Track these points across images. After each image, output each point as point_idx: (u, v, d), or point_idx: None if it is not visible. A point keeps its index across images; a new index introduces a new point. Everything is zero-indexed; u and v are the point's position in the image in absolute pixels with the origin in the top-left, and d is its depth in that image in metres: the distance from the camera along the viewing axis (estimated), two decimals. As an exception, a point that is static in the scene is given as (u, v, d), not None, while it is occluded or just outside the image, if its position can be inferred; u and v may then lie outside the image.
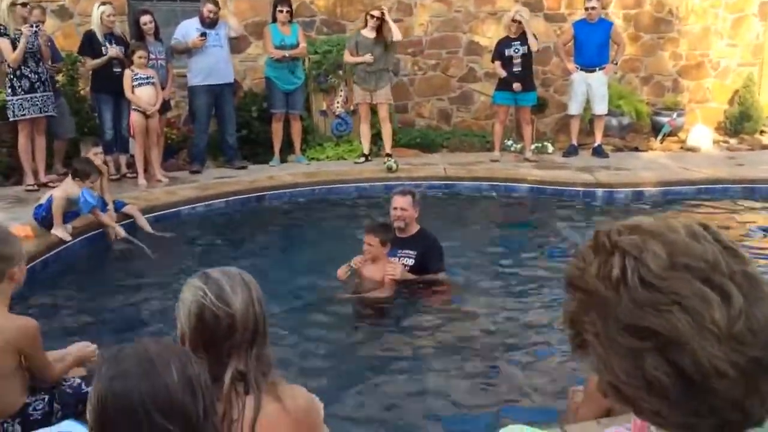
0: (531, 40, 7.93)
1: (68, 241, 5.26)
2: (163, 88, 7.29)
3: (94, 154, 5.79)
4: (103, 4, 7.24)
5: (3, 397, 2.55)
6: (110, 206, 5.75)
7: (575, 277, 0.82)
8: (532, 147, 8.53)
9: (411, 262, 4.55)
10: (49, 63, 6.85)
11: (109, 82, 7.16)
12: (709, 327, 0.73)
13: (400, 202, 4.60)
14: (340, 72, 8.56)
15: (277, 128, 8.05)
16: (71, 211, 5.39)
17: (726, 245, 0.79)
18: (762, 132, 9.62)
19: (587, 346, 0.81)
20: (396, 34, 7.89)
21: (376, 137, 8.39)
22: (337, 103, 8.67)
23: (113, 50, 7.10)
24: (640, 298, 0.76)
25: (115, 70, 7.15)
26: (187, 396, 1.23)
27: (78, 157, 5.89)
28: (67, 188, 5.34)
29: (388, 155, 7.96)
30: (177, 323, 1.67)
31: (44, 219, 5.23)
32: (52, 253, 5.11)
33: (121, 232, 5.55)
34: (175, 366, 1.24)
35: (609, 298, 0.77)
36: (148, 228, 5.88)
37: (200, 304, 1.61)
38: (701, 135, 9.10)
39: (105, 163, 6.18)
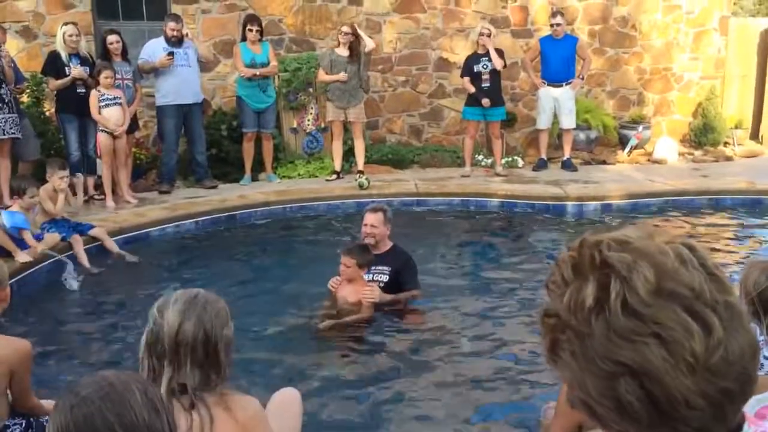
0: (495, 60, 8.01)
1: (29, 264, 5.13)
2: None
3: (60, 178, 5.68)
4: (67, 24, 7.16)
5: None
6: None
7: (549, 307, 0.80)
8: (503, 161, 8.61)
9: (385, 278, 4.53)
10: (12, 85, 6.73)
11: (73, 102, 7.06)
12: (686, 359, 0.72)
13: (371, 219, 4.58)
14: (311, 89, 8.57)
15: (248, 147, 8.01)
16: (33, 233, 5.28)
17: (711, 272, 0.77)
18: (725, 144, 9.85)
19: (561, 359, 0.80)
20: (369, 44, 7.93)
21: (348, 154, 8.39)
22: (308, 120, 8.67)
23: (76, 70, 7.01)
24: (617, 327, 0.73)
25: (79, 90, 7.05)
26: (152, 414, 1.24)
27: (13, 176, 5.76)
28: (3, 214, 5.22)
29: (360, 172, 7.96)
30: None
31: None
32: (15, 278, 4.98)
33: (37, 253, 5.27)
34: (137, 387, 1.25)
35: (582, 331, 0.75)
36: (116, 249, 5.78)
37: (151, 312, 1.80)
38: (667, 147, 9.28)
39: (71, 185, 6.07)
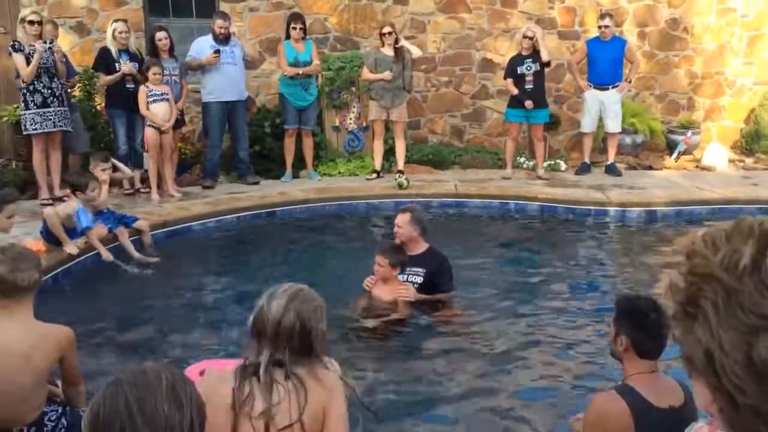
0: (543, 53, 7.92)
1: (77, 256, 5.29)
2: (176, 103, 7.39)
3: (102, 170, 5.84)
4: (117, 21, 7.36)
5: (34, 401, 2.66)
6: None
7: (698, 265, 0.81)
8: (545, 164, 8.51)
9: (420, 280, 4.53)
10: (64, 79, 6.94)
11: (122, 97, 7.26)
12: None
13: (398, 219, 4.64)
14: (353, 88, 8.62)
15: (289, 144, 8.10)
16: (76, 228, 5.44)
17: None
18: (778, 151, 9.52)
19: (694, 313, 0.80)
20: (415, 52, 7.95)
21: (389, 153, 8.41)
22: (350, 119, 8.72)
23: (126, 66, 7.20)
24: None
25: (128, 86, 7.24)
26: (173, 407, 1.34)
27: (69, 173, 5.91)
28: (63, 205, 5.38)
29: (400, 172, 7.97)
30: None
31: (48, 236, 5.27)
32: (61, 268, 5.15)
33: (109, 257, 5.44)
34: (166, 379, 1.36)
35: (733, 286, 0.77)
36: (148, 242, 5.90)
37: (260, 302, 2.10)
38: (716, 154, 9.03)
39: (118, 179, 6.23)
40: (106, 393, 1.36)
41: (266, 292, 2.13)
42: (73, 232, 5.41)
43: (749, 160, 9.27)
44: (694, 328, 0.81)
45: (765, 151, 9.41)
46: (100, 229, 5.63)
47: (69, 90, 7.25)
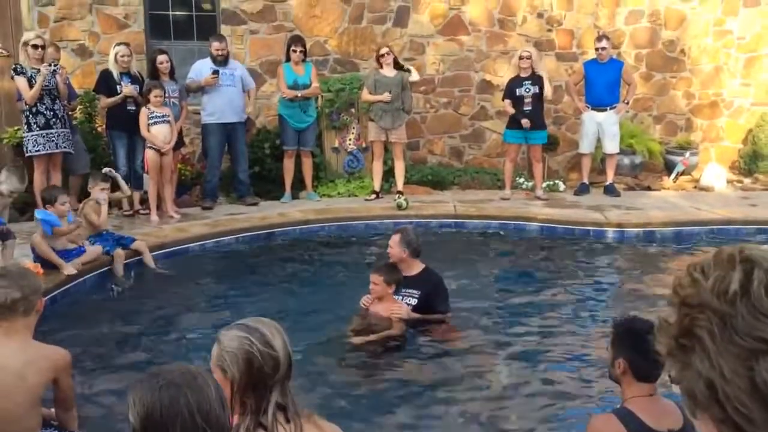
0: (546, 88, 8.01)
1: (74, 276, 5.29)
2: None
3: (101, 189, 5.87)
4: (119, 44, 7.43)
5: (28, 421, 2.66)
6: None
7: (689, 295, 0.82)
8: (544, 185, 8.53)
9: (414, 301, 4.54)
10: (66, 101, 7.00)
11: (123, 119, 7.31)
12: None
13: (390, 240, 4.69)
14: (353, 110, 8.67)
15: (288, 165, 8.14)
16: (67, 249, 5.44)
17: None
18: (776, 171, 9.54)
19: (690, 345, 0.80)
20: (414, 76, 8.03)
21: (388, 174, 8.44)
22: (349, 140, 8.76)
23: (127, 89, 7.26)
24: (762, 307, 0.76)
25: (129, 108, 7.30)
26: (221, 409, 1.48)
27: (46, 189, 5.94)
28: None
29: (399, 193, 7.99)
30: (219, 372, 1.90)
31: (42, 260, 5.26)
32: (60, 290, 5.15)
33: (72, 270, 5.33)
34: (212, 383, 1.51)
35: (726, 311, 0.78)
36: (152, 264, 5.92)
37: (248, 352, 1.88)
38: (715, 174, 9.05)
39: (117, 200, 6.26)
40: (162, 396, 1.43)
41: (247, 337, 1.90)
42: (69, 253, 5.42)
43: (747, 181, 9.30)
44: (691, 360, 0.80)
45: (763, 171, 9.44)
46: (96, 249, 5.64)
47: (70, 112, 7.29)
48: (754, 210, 7.71)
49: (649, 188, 8.98)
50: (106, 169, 6.12)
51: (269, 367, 1.88)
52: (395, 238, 4.64)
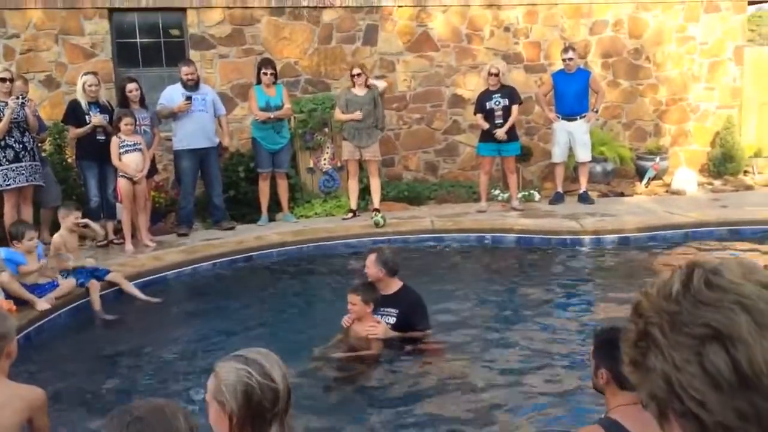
0: (513, 114, 8.15)
1: (48, 311, 5.19)
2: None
3: (75, 218, 5.78)
4: (86, 74, 7.37)
5: None
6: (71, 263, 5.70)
7: (640, 303, 0.89)
8: (519, 195, 8.59)
9: (393, 320, 4.53)
10: (35, 133, 6.91)
11: (93, 149, 7.23)
12: None
13: (366, 260, 4.68)
14: (326, 129, 8.68)
15: (263, 187, 8.10)
16: (40, 284, 5.35)
17: None
18: (745, 172, 9.74)
19: (646, 346, 0.85)
20: (380, 85, 8.07)
21: (364, 192, 8.44)
22: (324, 160, 8.76)
23: (96, 119, 7.19)
24: (703, 297, 0.81)
25: (99, 137, 7.23)
26: None
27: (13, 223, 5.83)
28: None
29: (376, 210, 8.00)
30: (215, 405, 1.84)
31: (13, 297, 5.15)
32: (35, 326, 5.05)
33: (44, 306, 5.22)
34: (182, 414, 1.48)
35: (671, 309, 0.84)
36: (136, 292, 5.83)
37: (246, 384, 1.82)
38: (686, 178, 9.20)
39: (86, 227, 6.17)
40: (129, 429, 1.43)
41: (245, 370, 1.85)
42: (42, 288, 5.32)
43: (718, 183, 9.46)
44: (648, 361, 0.85)
45: (732, 173, 9.62)
46: (70, 283, 5.54)
47: (39, 144, 7.20)
48: (726, 211, 7.83)
49: (622, 194, 9.09)
50: (80, 221, 5.95)
51: (268, 400, 1.83)
52: (371, 258, 4.63)
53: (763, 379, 0.77)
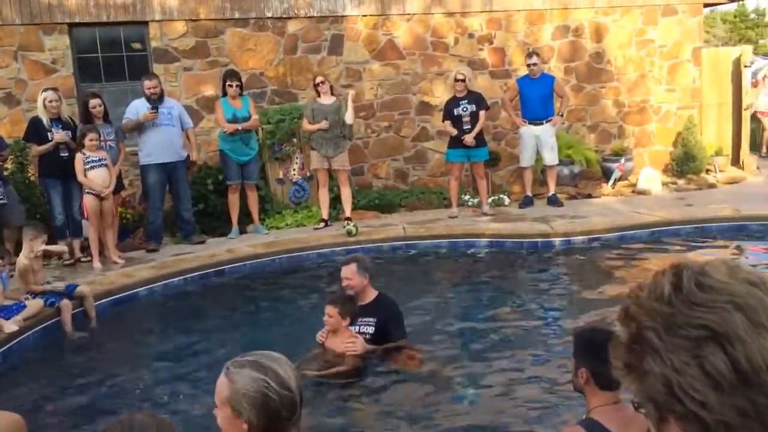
0: (480, 123, 8.18)
1: (16, 333, 5.05)
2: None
3: (42, 242, 5.64)
4: (47, 89, 7.23)
5: None
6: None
7: (631, 306, 0.89)
8: (489, 200, 8.66)
9: (371, 330, 4.49)
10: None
11: (56, 166, 7.09)
12: (764, 323, 0.79)
13: (344, 271, 4.58)
14: (294, 140, 8.65)
15: (233, 200, 8.03)
16: (6, 305, 5.22)
17: None
18: (707, 171, 9.96)
19: (641, 350, 0.85)
20: (349, 117, 7.96)
21: (335, 201, 8.42)
22: (294, 170, 8.72)
23: (59, 135, 7.05)
24: (696, 299, 0.82)
25: (62, 154, 7.09)
26: None
27: None
28: None
29: (348, 219, 7.98)
30: (228, 411, 1.79)
31: None
32: (3, 348, 4.91)
33: (12, 328, 5.11)
34: (155, 422, 1.48)
35: (665, 311, 0.84)
36: (92, 313, 5.70)
37: (265, 395, 1.77)
38: (650, 178, 9.38)
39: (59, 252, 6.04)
40: None
41: (256, 380, 1.78)
42: (8, 309, 5.19)
43: (681, 182, 9.66)
44: (645, 365, 0.85)
45: (695, 172, 9.83)
46: (37, 304, 5.41)
47: (1, 163, 7.03)
48: (691, 210, 8.00)
49: (589, 196, 9.23)
50: (38, 249, 5.73)
51: (287, 409, 1.79)
52: (352, 268, 4.55)
53: (761, 375, 0.78)
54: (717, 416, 0.80)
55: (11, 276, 5.53)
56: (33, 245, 5.57)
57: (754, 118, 11.61)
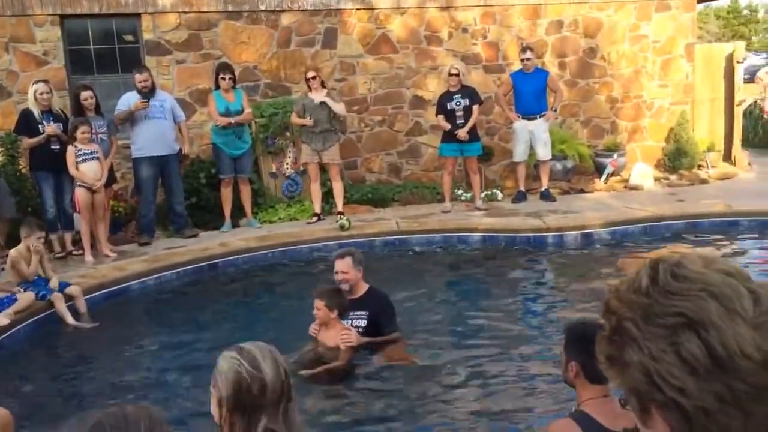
0: (474, 113, 8.18)
1: (7, 326, 5.04)
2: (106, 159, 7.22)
3: (37, 238, 5.61)
4: (37, 82, 7.18)
5: None
6: (53, 284, 5.58)
7: (611, 300, 0.91)
8: (482, 195, 8.67)
9: (363, 323, 4.49)
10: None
11: (48, 159, 7.05)
12: (738, 311, 0.81)
13: (340, 265, 4.56)
14: (288, 133, 8.63)
15: (226, 193, 8.01)
16: (0, 298, 5.20)
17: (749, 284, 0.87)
18: (699, 167, 10.00)
19: (621, 341, 0.87)
20: (339, 111, 7.95)
21: (327, 195, 8.41)
22: (286, 164, 8.71)
23: (50, 128, 7.01)
24: (671, 288, 0.85)
25: (53, 147, 7.05)
26: None
27: None
28: None
29: (341, 213, 7.97)
30: (214, 392, 1.95)
31: None
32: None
33: (4, 321, 5.10)
34: (144, 424, 1.42)
35: (643, 302, 0.86)
36: (83, 310, 5.67)
37: (237, 372, 1.92)
38: (642, 173, 9.40)
39: (48, 242, 6.00)
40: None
41: (236, 361, 1.93)
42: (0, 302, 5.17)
43: (673, 177, 9.69)
44: (625, 356, 0.87)
45: (687, 167, 9.87)
46: (28, 297, 5.39)
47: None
48: (683, 205, 8.03)
49: (582, 191, 9.25)
50: (33, 246, 5.63)
51: (256, 389, 1.90)
52: (347, 262, 4.54)
53: (737, 360, 0.80)
54: (695, 402, 0.81)
55: (2, 269, 5.51)
56: (27, 242, 5.54)
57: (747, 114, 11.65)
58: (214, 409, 1.97)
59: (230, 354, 1.98)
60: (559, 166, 9.36)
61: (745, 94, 10.66)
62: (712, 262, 0.87)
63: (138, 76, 7.54)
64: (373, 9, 9.32)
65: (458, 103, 8.22)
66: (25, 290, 5.44)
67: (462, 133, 8.13)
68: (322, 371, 4.24)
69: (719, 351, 0.80)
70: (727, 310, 0.82)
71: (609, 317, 0.91)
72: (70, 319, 5.40)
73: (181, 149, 7.88)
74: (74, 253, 7.19)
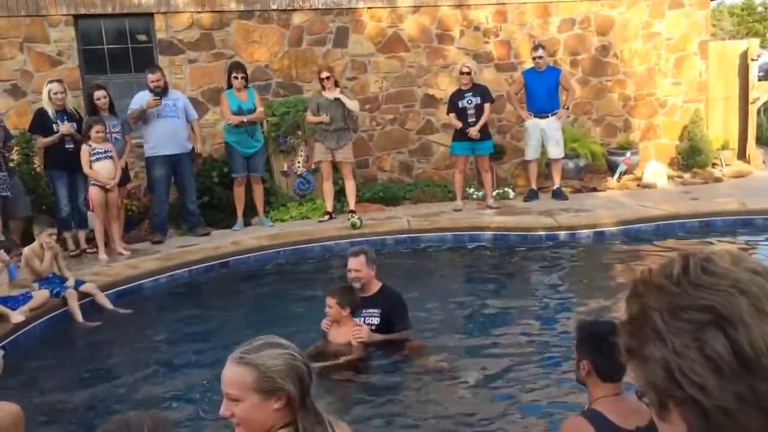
0: (486, 111, 8.18)
1: (22, 324, 5.09)
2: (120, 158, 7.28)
3: (49, 235, 5.67)
4: (52, 81, 7.24)
5: None
6: (70, 283, 5.64)
7: (638, 284, 0.90)
8: (494, 193, 8.65)
9: (376, 321, 4.50)
10: (1, 144, 6.77)
11: (62, 158, 7.11)
12: (767, 310, 0.80)
13: (353, 263, 4.56)
14: (299, 132, 8.65)
15: (239, 192, 8.04)
16: (13, 296, 5.25)
17: None
18: (713, 165, 9.92)
19: (644, 332, 0.86)
20: (351, 106, 7.97)
21: (339, 194, 8.43)
22: (298, 163, 8.73)
23: (64, 127, 7.07)
24: (701, 282, 0.83)
25: (67, 146, 7.11)
26: None
27: None
28: None
29: (352, 212, 7.98)
30: (257, 397, 1.83)
31: None
32: (9, 339, 4.94)
33: (19, 318, 5.11)
34: (147, 427, 1.44)
35: (672, 291, 0.85)
36: (108, 305, 5.75)
37: (294, 365, 1.86)
38: (656, 171, 9.35)
39: (62, 240, 6.06)
40: None
41: (278, 355, 1.86)
42: (15, 300, 5.22)
43: (687, 176, 9.62)
44: (646, 350, 0.85)
45: (701, 165, 9.79)
46: (43, 294, 5.44)
47: (6, 155, 7.06)
48: (696, 204, 7.97)
49: (594, 189, 9.20)
50: (45, 241, 5.69)
51: (308, 375, 1.89)
52: (360, 260, 4.54)
53: (763, 361, 0.78)
54: (715, 401, 0.80)
55: (17, 266, 5.56)
56: (40, 239, 5.60)
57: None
58: (251, 412, 1.85)
59: (275, 351, 1.87)
60: (571, 164, 9.32)
61: (760, 92, 10.55)
62: (741, 259, 0.87)
63: (150, 76, 7.59)
64: (384, 7, 9.32)
65: (470, 102, 8.20)
66: (40, 287, 5.49)
67: (473, 132, 8.12)
68: (332, 365, 4.26)
69: (747, 350, 0.78)
70: (756, 309, 0.80)
71: (634, 301, 0.89)
72: (80, 318, 5.46)
73: (193, 148, 7.92)
74: (88, 251, 7.26)
